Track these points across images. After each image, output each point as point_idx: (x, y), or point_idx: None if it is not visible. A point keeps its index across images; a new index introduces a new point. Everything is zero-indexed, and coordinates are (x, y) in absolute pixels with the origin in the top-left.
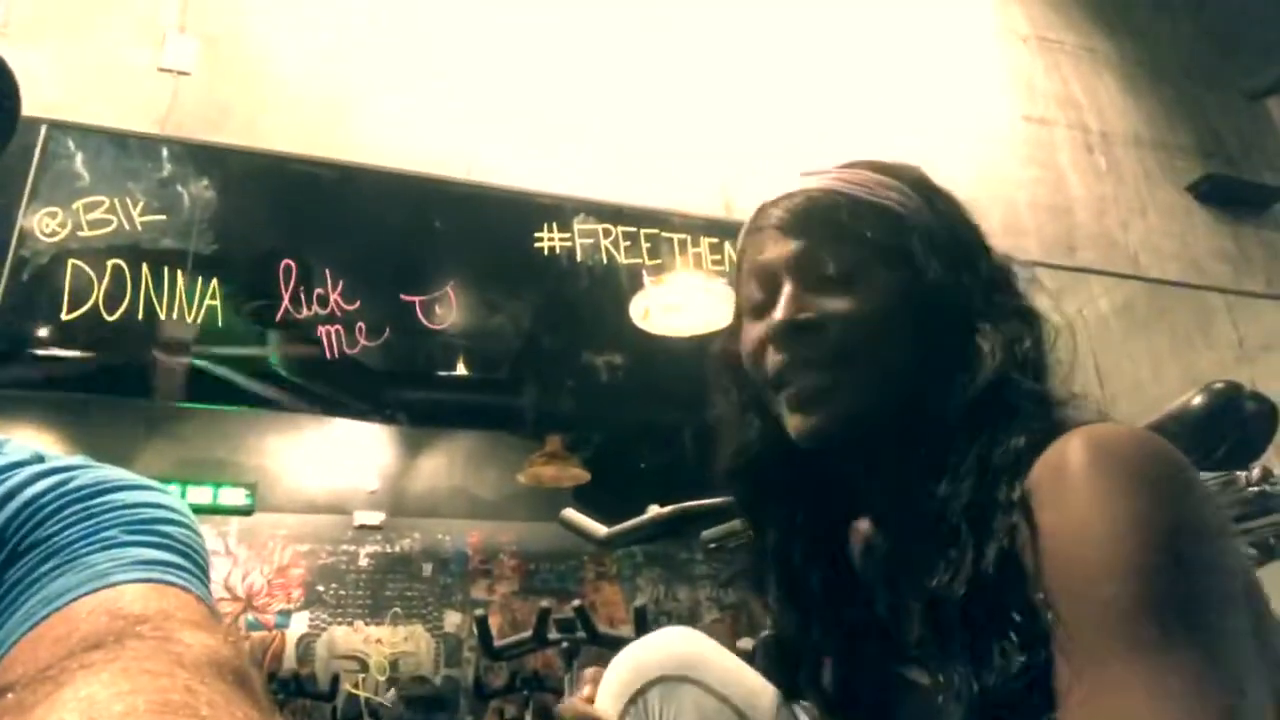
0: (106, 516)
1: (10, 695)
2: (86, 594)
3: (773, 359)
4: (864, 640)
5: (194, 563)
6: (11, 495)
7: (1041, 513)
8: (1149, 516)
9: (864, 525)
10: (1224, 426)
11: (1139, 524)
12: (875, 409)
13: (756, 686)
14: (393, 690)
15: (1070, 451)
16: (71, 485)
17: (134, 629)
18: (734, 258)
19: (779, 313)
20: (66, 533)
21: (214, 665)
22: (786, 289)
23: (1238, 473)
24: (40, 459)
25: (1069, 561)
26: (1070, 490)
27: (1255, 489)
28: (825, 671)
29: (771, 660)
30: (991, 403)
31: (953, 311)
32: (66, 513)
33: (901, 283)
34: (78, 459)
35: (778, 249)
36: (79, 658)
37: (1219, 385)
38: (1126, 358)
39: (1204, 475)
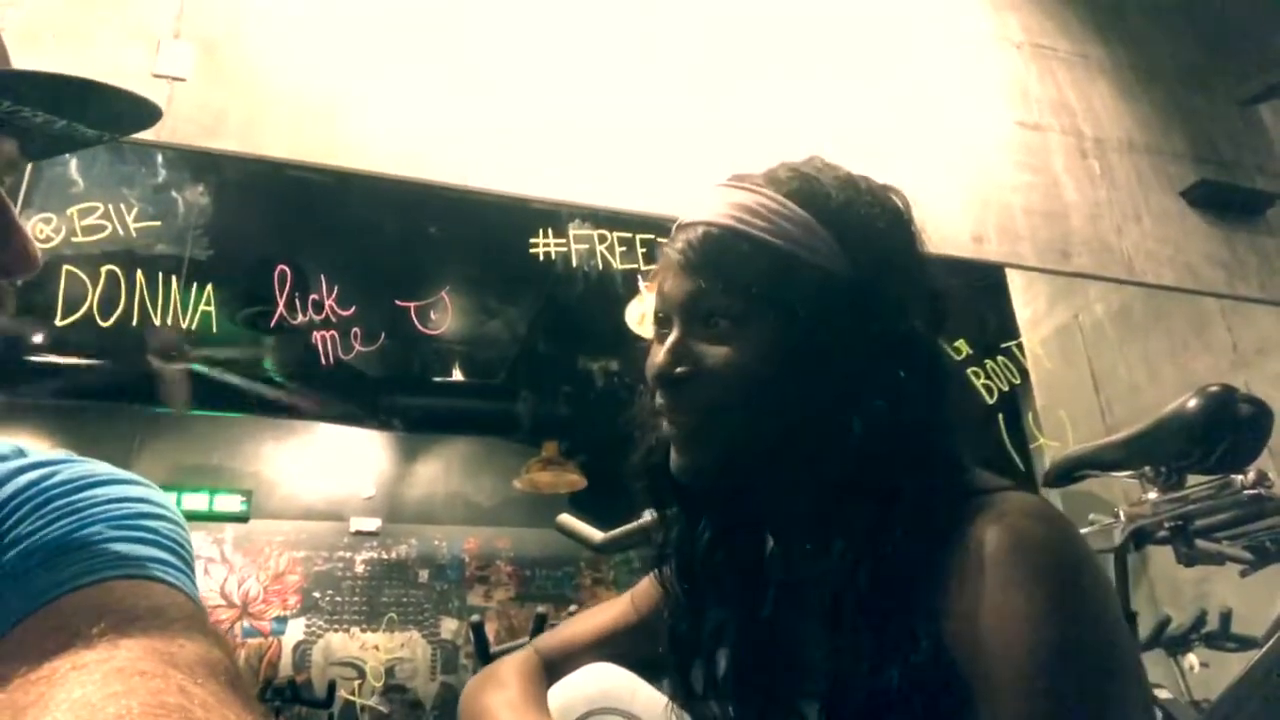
0: (91, 511)
1: (1, 693)
2: (73, 590)
3: (657, 396)
4: (752, 652)
5: (180, 558)
6: None
7: (958, 594)
8: (1060, 608)
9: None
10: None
11: (1051, 615)
12: (747, 456)
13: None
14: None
15: (989, 539)
16: (55, 480)
17: (125, 628)
18: None
19: (659, 360)
20: (51, 528)
21: (207, 666)
22: (673, 333)
23: (1233, 476)
24: (22, 453)
25: (989, 648)
26: (992, 578)
27: (1251, 492)
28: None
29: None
30: (875, 470)
31: (836, 366)
32: (51, 507)
33: (783, 334)
34: (61, 453)
35: (673, 285)
36: (70, 658)
37: (1214, 389)
38: (1122, 362)
39: (1200, 479)
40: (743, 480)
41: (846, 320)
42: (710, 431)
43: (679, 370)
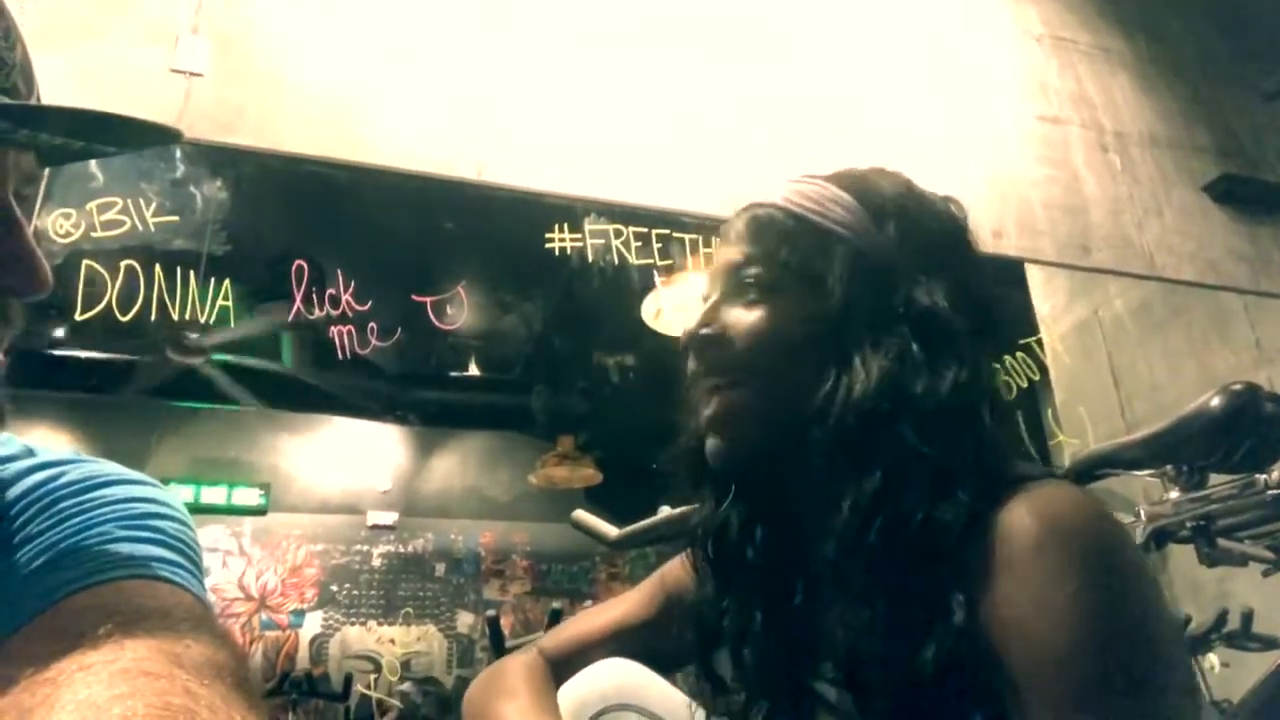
0: (100, 511)
1: (9, 694)
2: (81, 589)
3: (689, 365)
4: (777, 638)
5: (188, 559)
6: (2, 490)
7: (995, 579)
8: (1103, 594)
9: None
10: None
11: (1094, 600)
12: (775, 432)
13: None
14: (408, 684)
15: (1020, 523)
16: (64, 480)
17: (131, 628)
18: None
19: (691, 322)
20: (59, 527)
21: (213, 667)
22: (711, 299)
23: (1257, 475)
24: (31, 453)
25: (1027, 634)
26: (1024, 564)
27: (1275, 492)
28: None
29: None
30: (909, 450)
31: (864, 344)
32: (59, 507)
33: (812, 306)
34: (69, 453)
35: (717, 259)
36: (77, 658)
37: (1237, 386)
38: (1142, 359)
39: (1222, 478)
40: (773, 464)
41: (880, 298)
42: (741, 405)
43: (705, 331)
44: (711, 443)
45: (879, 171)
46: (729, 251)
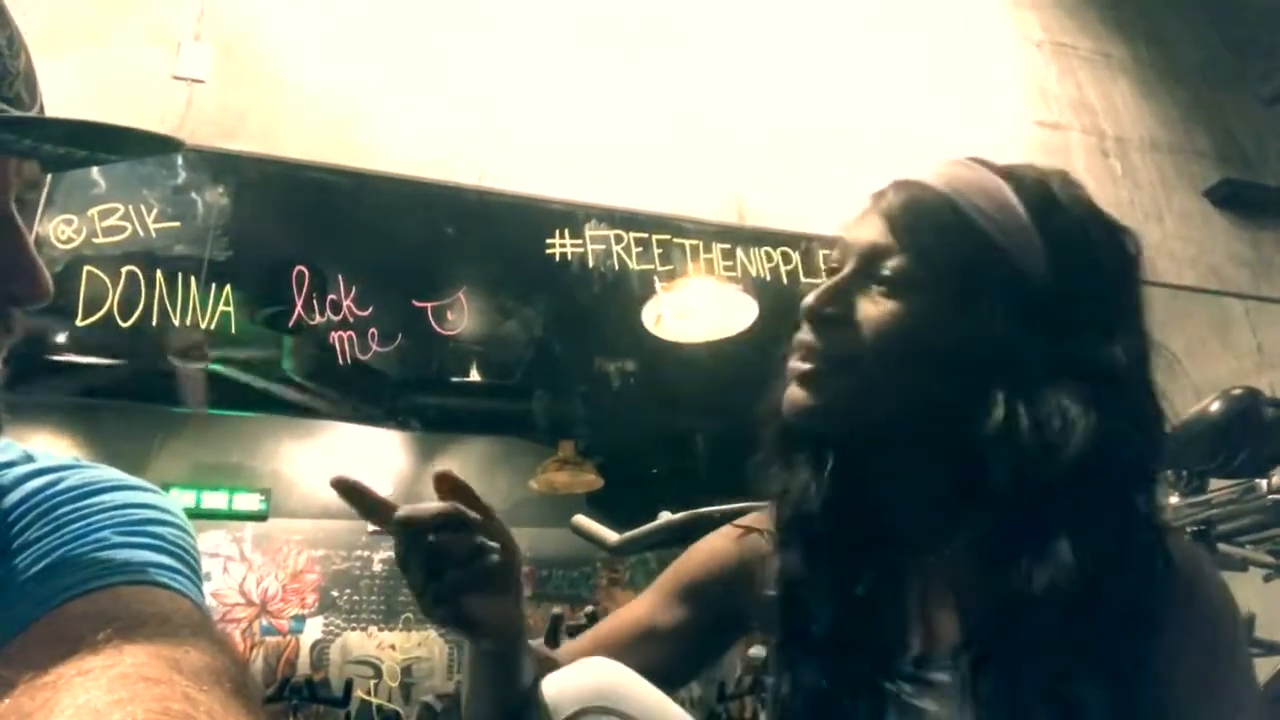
0: (98, 517)
1: (8, 699)
2: (79, 595)
3: (801, 333)
4: (856, 626)
5: (187, 565)
6: (1, 495)
7: (1178, 616)
8: (1237, 636)
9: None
10: (1243, 433)
11: (1235, 640)
12: (867, 419)
13: (676, 716)
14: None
15: (1200, 575)
16: (62, 485)
17: (130, 634)
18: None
19: (813, 295)
20: (58, 533)
21: (212, 672)
22: (843, 273)
23: (1257, 480)
24: (30, 458)
25: (1195, 662)
26: (1203, 606)
27: (1275, 497)
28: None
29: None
30: (1084, 502)
31: (996, 366)
32: (58, 513)
33: (949, 314)
34: (68, 459)
35: (860, 230)
36: (76, 663)
37: (1238, 392)
38: None
39: (1223, 484)
40: (853, 439)
41: (1031, 325)
42: (833, 380)
43: (829, 310)
44: (793, 395)
45: (1061, 180)
46: (873, 230)
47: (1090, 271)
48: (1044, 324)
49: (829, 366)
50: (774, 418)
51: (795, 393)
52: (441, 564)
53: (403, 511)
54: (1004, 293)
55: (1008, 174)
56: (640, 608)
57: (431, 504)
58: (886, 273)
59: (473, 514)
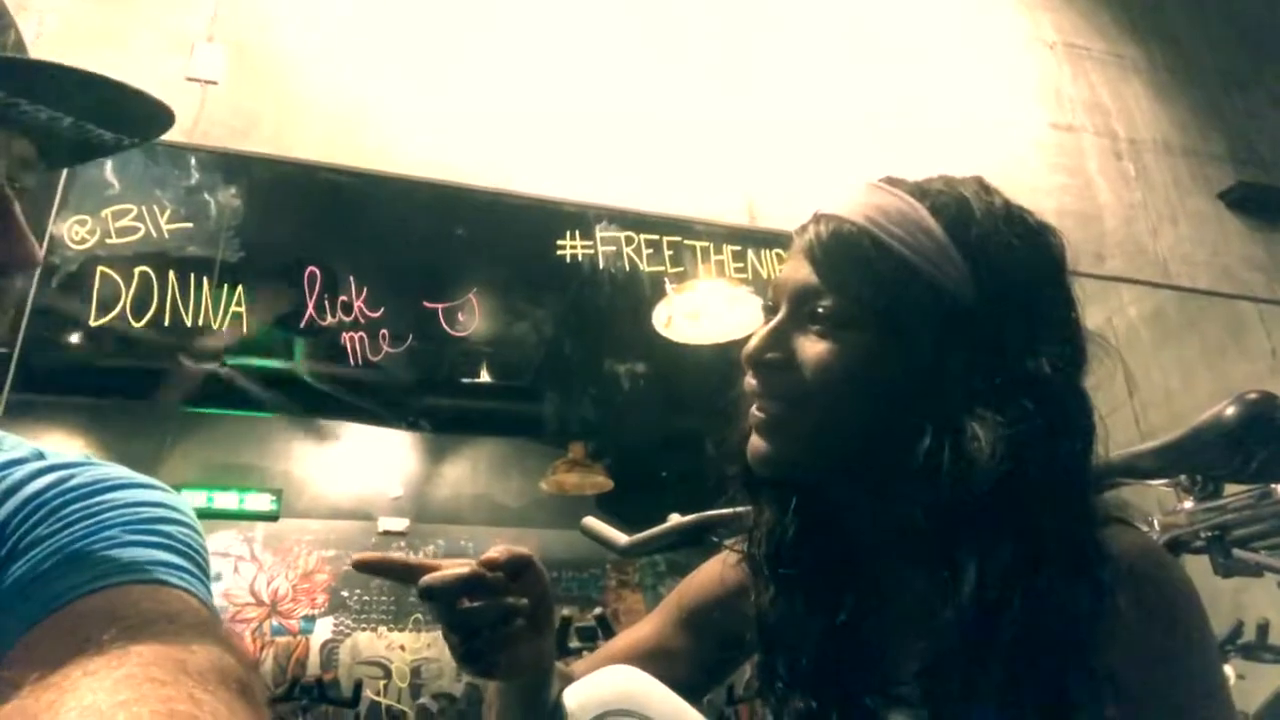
0: (108, 515)
1: (13, 699)
2: (87, 593)
3: (747, 381)
4: (838, 654)
5: (195, 564)
6: (12, 492)
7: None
8: (1195, 640)
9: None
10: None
11: (1198, 663)
12: (824, 459)
13: None
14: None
15: (1136, 602)
16: (72, 483)
17: (137, 633)
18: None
19: (752, 342)
20: (67, 531)
21: (218, 673)
22: (778, 316)
23: (1273, 485)
24: (40, 455)
25: (1143, 668)
26: (1151, 597)
27: None
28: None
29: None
30: (987, 503)
31: (935, 390)
32: (67, 510)
33: (884, 346)
34: (78, 456)
35: (789, 271)
36: (82, 663)
37: (1252, 396)
38: (1157, 367)
39: (1238, 488)
40: (817, 480)
41: (957, 348)
42: (788, 424)
43: (769, 355)
44: (755, 446)
45: (972, 190)
46: (801, 271)
47: (1011, 281)
48: (970, 343)
49: (779, 410)
50: (739, 461)
51: (755, 443)
52: (472, 628)
53: (423, 582)
54: (930, 318)
55: (921, 193)
56: (645, 631)
57: (452, 570)
58: (820, 312)
59: (494, 575)
